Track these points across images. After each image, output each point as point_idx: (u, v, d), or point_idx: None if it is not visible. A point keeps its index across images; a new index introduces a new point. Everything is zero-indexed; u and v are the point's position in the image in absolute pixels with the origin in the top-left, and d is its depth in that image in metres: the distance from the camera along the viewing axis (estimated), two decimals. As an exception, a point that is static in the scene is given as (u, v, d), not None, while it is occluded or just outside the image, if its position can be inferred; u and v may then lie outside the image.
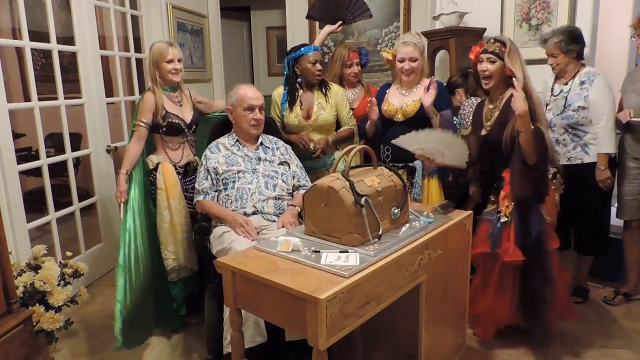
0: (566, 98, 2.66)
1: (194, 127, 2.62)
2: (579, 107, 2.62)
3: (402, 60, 2.51)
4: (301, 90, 2.75)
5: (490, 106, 2.31)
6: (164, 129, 2.49)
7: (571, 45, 2.61)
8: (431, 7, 3.68)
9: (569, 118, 2.65)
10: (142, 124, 2.45)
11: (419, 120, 2.46)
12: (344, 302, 1.44)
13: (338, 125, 2.84)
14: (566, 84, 2.70)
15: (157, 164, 2.51)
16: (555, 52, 2.63)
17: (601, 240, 2.83)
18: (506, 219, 2.19)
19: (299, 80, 2.73)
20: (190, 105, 2.63)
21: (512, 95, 2.05)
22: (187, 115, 2.57)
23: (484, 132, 2.27)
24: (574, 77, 2.68)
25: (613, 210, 2.89)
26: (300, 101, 2.73)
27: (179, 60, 2.51)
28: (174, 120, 2.50)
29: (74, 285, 2.42)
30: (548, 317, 2.27)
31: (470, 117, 2.63)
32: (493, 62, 2.16)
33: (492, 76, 2.18)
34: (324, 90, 2.76)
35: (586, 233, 2.83)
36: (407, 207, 1.93)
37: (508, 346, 2.43)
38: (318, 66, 2.68)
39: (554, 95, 2.74)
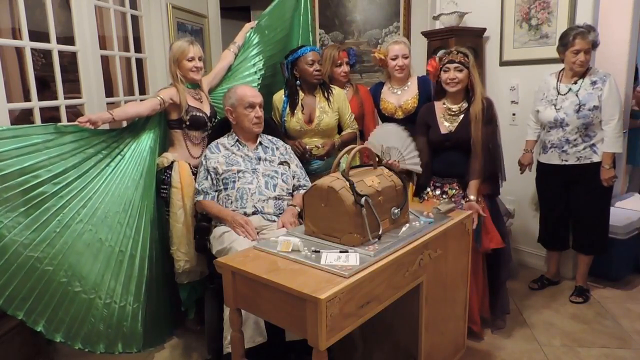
0: (577, 97, 2.65)
1: (213, 120, 2.62)
2: (594, 106, 2.62)
3: (394, 58, 2.79)
4: (302, 94, 2.71)
5: (454, 108, 2.46)
6: (188, 124, 2.48)
7: (598, 42, 2.62)
8: (431, 7, 3.68)
9: (585, 118, 2.64)
10: (158, 98, 2.39)
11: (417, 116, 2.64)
12: (344, 302, 1.44)
13: (339, 128, 2.82)
14: (575, 83, 2.69)
15: (172, 162, 2.47)
16: (588, 48, 2.60)
17: (601, 239, 2.83)
18: (483, 214, 2.35)
19: (298, 83, 2.69)
20: (209, 101, 2.65)
21: (474, 100, 2.38)
22: (207, 110, 2.58)
23: (445, 130, 2.45)
24: (582, 76, 2.67)
25: (612, 210, 2.89)
26: (302, 105, 2.69)
27: (199, 59, 2.51)
28: (197, 114, 2.50)
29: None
30: (507, 296, 2.58)
31: None
32: (461, 71, 2.37)
33: (461, 82, 2.39)
34: (326, 94, 2.72)
35: (586, 232, 2.83)
36: (407, 207, 1.94)
37: (508, 346, 2.44)
38: (316, 66, 2.64)
39: (562, 94, 2.72)
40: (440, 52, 2.50)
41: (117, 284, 2.17)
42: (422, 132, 2.52)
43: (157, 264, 2.43)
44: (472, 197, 2.31)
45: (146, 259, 2.31)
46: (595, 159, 2.68)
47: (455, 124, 2.43)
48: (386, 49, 2.84)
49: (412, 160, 2.22)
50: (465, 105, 2.43)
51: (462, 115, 2.42)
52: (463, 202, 2.34)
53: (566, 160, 2.75)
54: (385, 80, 2.98)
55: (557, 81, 2.77)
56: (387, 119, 2.89)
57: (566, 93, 2.71)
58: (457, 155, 2.42)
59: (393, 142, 2.22)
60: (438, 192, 2.46)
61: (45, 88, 2.92)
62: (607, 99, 2.60)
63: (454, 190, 2.42)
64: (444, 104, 2.50)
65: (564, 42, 2.65)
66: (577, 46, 2.60)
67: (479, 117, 2.36)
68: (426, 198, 2.49)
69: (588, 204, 2.76)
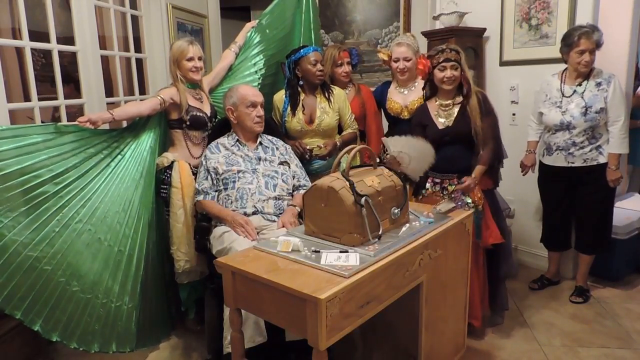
0: (583, 99, 2.63)
1: (214, 119, 2.62)
2: (600, 108, 2.60)
3: (396, 60, 2.76)
4: (303, 94, 2.70)
5: (446, 103, 2.47)
6: (188, 123, 2.48)
7: (602, 42, 2.60)
8: (431, 7, 3.68)
9: (592, 120, 2.62)
10: (159, 97, 2.39)
11: None
12: (344, 302, 1.44)
13: (340, 128, 2.81)
14: (580, 84, 2.67)
15: (172, 162, 2.47)
16: (592, 48, 2.56)
17: (604, 239, 2.82)
18: (481, 208, 2.36)
19: (300, 83, 2.69)
20: (209, 101, 2.65)
21: (469, 95, 2.39)
22: (207, 110, 2.58)
23: (442, 126, 2.46)
24: (586, 77, 2.65)
25: (615, 210, 2.89)
26: (303, 105, 2.68)
27: (199, 59, 2.51)
28: (197, 114, 2.50)
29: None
30: (506, 293, 2.59)
31: None
32: (456, 69, 2.38)
33: (456, 80, 2.41)
34: (326, 95, 2.71)
35: (590, 232, 2.82)
36: (407, 207, 1.94)
37: (508, 346, 2.44)
38: (319, 66, 2.64)
39: (566, 97, 2.69)
40: (432, 51, 2.49)
41: (115, 283, 2.17)
42: (417, 133, 2.49)
43: (156, 264, 2.43)
44: (472, 176, 2.33)
45: (143, 259, 2.31)
46: (602, 160, 2.67)
47: (452, 119, 2.43)
48: (390, 49, 2.83)
49: (413, 172, 2.20)
50: (458, 99, 2.44)
51: (457, 110, 2.43)
52: (463, 197, 2.35)
53: (572, 163, 2.72)
54: (393, 80, 2.95)
55: (561, 82, 2.73)
56: (392, 119, 2.87)
57: (571, 95, 2.67)
58: (456, 150, 2.42)
59: (410, 150, 2.20)
60: (438, 188, 2.46)
61: (50, 83, 2.91)
62: (612, 100, 2.58)
63: (453, 186, 2.42)
64: (436, 101, 2.50)
65: (568, 42, 2.61)
66: (582, 46, 2.56)
67: (477, 110, 2.37)
68: (426, 195, 2.49)
69: (593, 204, 2.76)
